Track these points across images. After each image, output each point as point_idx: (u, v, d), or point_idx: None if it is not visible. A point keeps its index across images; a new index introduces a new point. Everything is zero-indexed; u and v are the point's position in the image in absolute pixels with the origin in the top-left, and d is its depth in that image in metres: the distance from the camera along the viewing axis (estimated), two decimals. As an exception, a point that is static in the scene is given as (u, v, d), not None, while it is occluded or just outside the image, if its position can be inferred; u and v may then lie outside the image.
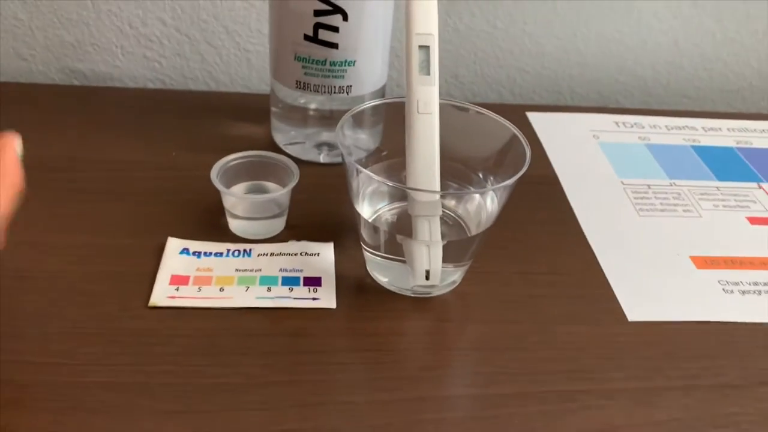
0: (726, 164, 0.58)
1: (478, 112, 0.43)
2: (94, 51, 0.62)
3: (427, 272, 0.40)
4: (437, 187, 0.39)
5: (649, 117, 0.64)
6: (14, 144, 0.32)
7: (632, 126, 0.62)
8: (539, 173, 0.54)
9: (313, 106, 0.52)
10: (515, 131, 0.41)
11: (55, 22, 0.60)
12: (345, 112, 0.42)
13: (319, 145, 0.53)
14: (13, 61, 0.62)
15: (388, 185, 0.40)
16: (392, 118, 0.43)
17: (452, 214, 0.43)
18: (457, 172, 0.43)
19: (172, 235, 0.43)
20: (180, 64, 0.63)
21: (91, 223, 0.44)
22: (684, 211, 0.52)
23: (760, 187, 0.55)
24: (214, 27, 0.62)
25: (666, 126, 0.63)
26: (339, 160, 0.52)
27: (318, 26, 0.46)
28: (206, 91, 0.64)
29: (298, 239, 0.44)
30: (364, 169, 0.39)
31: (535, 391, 0.36)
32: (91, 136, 0.53)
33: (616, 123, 0.62)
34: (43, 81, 0.63)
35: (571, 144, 0.59)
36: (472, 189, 0.42)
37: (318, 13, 0.46)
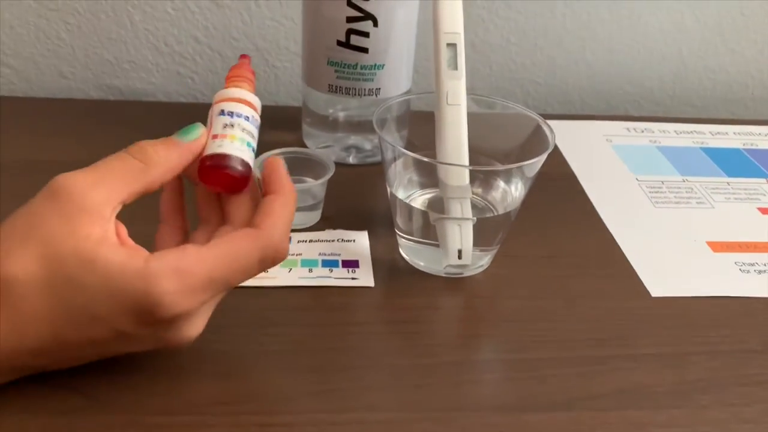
0: (734, 163, 0.61)
1: (503, 104, 0.46)
2: (130, 68, 0.65)
3: (459, 251, 0.42)
4: (466, 172, 0.42)
5: (658, 123, 0.67)
6: (282, 164, 0.35)
7: (643, 131, 0.65)
8: (558, 171, 0.57)
9: (342, 114, 0.55)
10: (539, 119, 0.44)
11: (95, 41, 0.64)
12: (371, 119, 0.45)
13: (348, 148, 0.56)
14: (55, 79, 0.65)
15: (422, 163, 0.43)
16: (417, 123, 0.46)
17: (480, 199, 0.45)
18: (484, 163, 0.46)
19: (215, 226, 0.46)
20: (212, 80, 0.67)
21: (140, 214, 0.47)
22: (697, 203, 0.54)
23: (769, 182, 0.58)
24: (244, 44, 0.66)
25: (675, 131, 0.66)
26: (366, 161, 0.55)
27: (350, 32, 0.50)
28: (237, 105, 0.67)
29: (334, 229, 0.47)
30: (401, 149, 0.41)
31: (567, 356, 0.38)
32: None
33: (628, 129, 0.65)
34: (82, 97, 0.66)
35: (586, 147, 0.62)
36: (500, 166, 0.45)
37: (350, 19, 0.49)
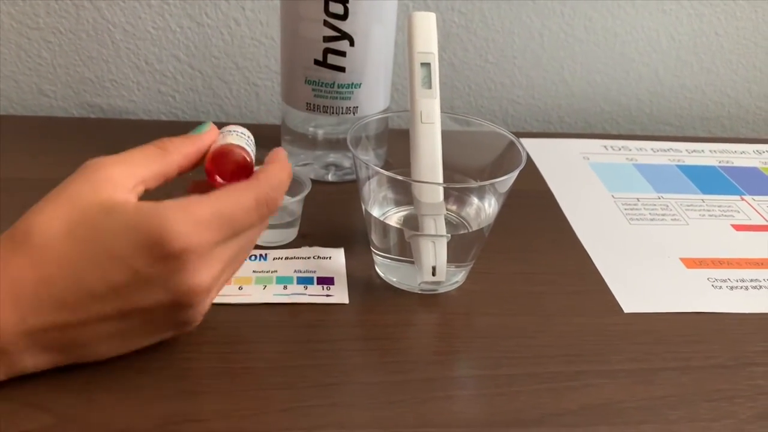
0: (709, 180, 0.61)
1: (476, 122, 0.47)
2: (111, 86, 0.66)
3: (434, 268, 0.42)
4: (440, 189, 0.42)
5: (635, 141, 0.68)
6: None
7: (620, 149, 0.66)
8: (534, 189, 0.57)
9: (321, 131, 0.55)
10: (511, 137, 0.45)
11: (76, 59, 0.64)
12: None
13: (327, 166, 0.56)
14: (36, 97, 0.66)
15: (397, 181, 0.43)
16: (396, 140, 0.47)
17: (455, 216, 0.46)
18: (458, 180, 0.47)
19: (191, 243, 0.46)
20: (192, 98, 0.67)
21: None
22: (672, 219, 0.55)
23: (743, 199, 0.59)
24: (225, 63, 0.66)
25: (652, 149, 0.66)
26: (345, 178, 0.56)
27: (327, 51, 0.50)
28: (217, 123, 0.68)
29: (310, 246, 0.47)
30: (374, 167, 0.42)
31: (539, 372, 0.38)
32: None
33: (605, 147, 0.66)
34: (63, 116, 0.66)
35: (563, 164, 0.62)
36: (473, 183, 0.45)
37: (327, 39, 0.50)
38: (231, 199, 0.34)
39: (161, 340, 0.36)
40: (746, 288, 0.47)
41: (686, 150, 0.67)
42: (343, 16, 0.49)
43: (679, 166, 0.64)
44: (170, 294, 0.32)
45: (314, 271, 0.45)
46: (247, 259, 0.45)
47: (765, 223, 0.55)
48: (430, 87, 0.44)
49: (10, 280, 0.31)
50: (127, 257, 0.31)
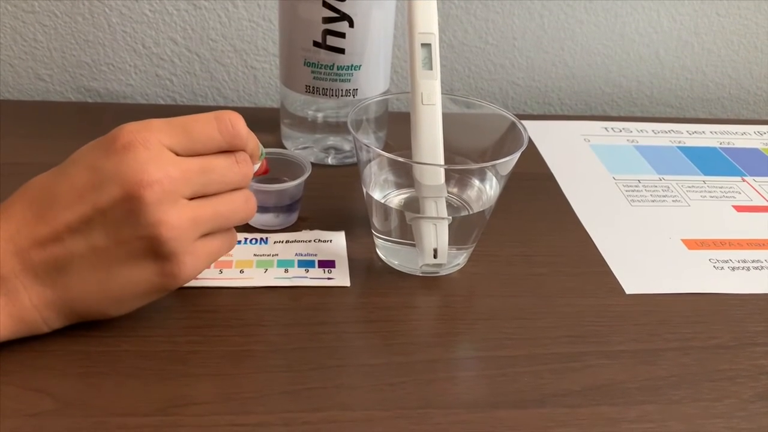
0: (711, 161, 0.61)
1: (477, 104, 0.47)
2: (108, 70, 0.65)
3: (435, 251, 0.42)
4: (441, 171, 0.42)
5: (636, 123, 0.67)
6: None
7: (621, 131, 0.66)
8: (535, 171, 0.57)
9: (320, 115, 0.55)
10: (513, 119, 0.44)
11: (72, 43, 0.64)
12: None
13: (327, 149, 0.56)
14: (32, 82, 0.65)
15: (398, 163, 0.43)
16: (396, 123, 0.46)
17: (456, 198, 0.46)
18: (460, 162, 0.46)
19: (191, 227, 0.46)
20: (190, 82, 0.67)
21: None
22: (673, 201, 0.55)
23: (744, 180, 0.58)
24: (222, 46, 0.65)
25: (653, 130, 0.66)
26: (345, 162, 0.55)
27: (326, 32, 0.50)
28: (216, 106, 0.67)
29: (311, 229, 0.47)
30: (376, 149, 0.41)
31: (540, 353, 0.38)
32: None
33: (606, 128, 0.66)
34: (60, 100, 0.66)
35: (564, 146, 0.62)
36: (474, 165, 0.45)
37: (326, 20, 0.49)
38: (188, 116, 0.36)
39: (149, 292, 0.35)
40: (748, 269, 0.47)
41: (687, 131, 0.66)
42: (342, -3, 0.49)
43: (680, 148, 0.63)
44: (119, 184, 0.33)
45: (315, 254, 0.44)
46: (248, 242, 0.45)
47: (766, 204, 0.55)
48: (430, 68, 0.43)
49: (7, 217, 0.34)
50: (87, 157, 0.35)
